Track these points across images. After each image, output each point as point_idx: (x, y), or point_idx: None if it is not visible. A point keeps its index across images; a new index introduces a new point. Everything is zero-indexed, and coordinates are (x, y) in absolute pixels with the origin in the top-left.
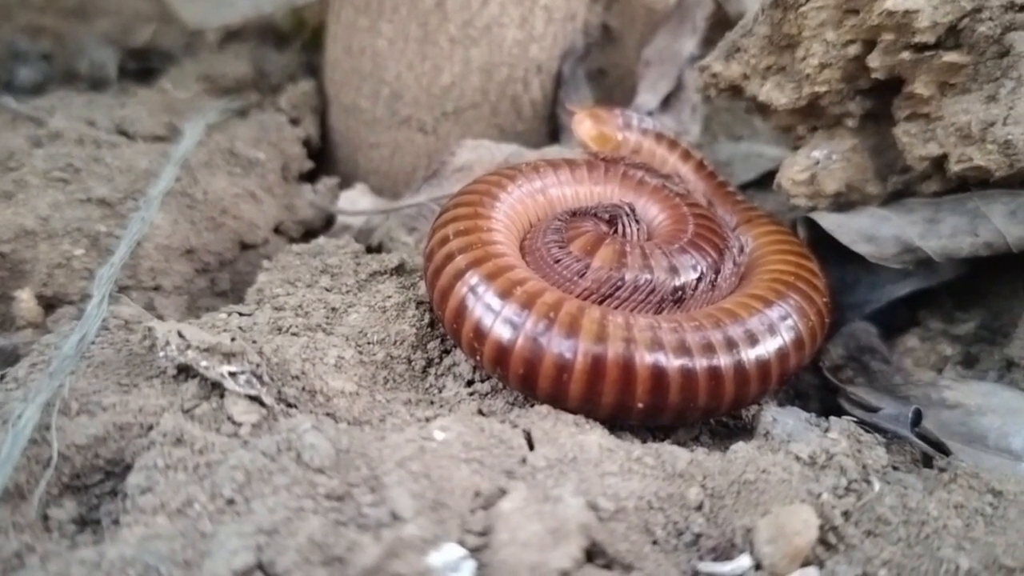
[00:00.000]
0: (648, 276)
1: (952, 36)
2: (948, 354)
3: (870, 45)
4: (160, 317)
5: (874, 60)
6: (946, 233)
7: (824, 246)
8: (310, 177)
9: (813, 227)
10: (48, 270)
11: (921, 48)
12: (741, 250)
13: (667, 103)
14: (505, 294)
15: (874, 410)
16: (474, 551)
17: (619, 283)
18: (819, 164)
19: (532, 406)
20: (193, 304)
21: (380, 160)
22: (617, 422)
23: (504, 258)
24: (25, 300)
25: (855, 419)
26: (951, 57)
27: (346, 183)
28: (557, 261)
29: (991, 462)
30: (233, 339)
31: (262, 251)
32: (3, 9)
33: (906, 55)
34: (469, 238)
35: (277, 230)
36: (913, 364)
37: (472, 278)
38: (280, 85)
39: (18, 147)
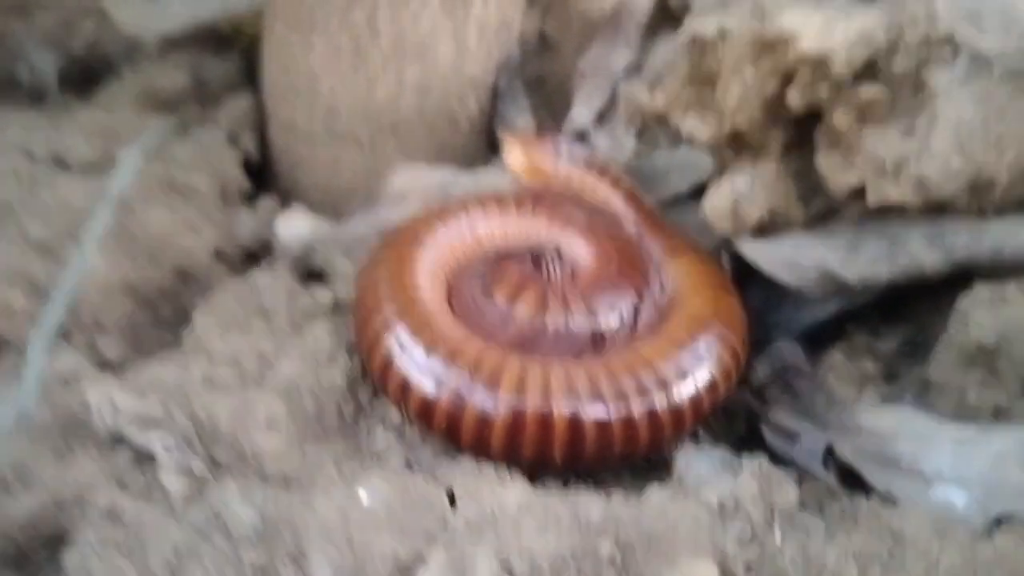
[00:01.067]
0: (568, 322)
1: (869, 71)
2: (870, 371)
3: (788, 80)
4: (103, 358)
5: (792, 96)
6: (866, 260)
7: (750, 267)
8: (251, 194)
9: (736, 253)
10: None
11: (838, 83)
12: (662, 288)
13: (602, 116)
14: (430, 348)
15: (793, 436)
16: None
17: (541, 331)
18: (741, 193)
19: (456, 457)
20: (136, 339)
21: (319, 176)
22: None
23: (430, 309)
24: None
25: (768, 455)
26: (868, 92)
27: (286, 199)
28: (482, 310)
29: (903, 485)
30: (165, 408)
31: (202, 279)
32: None
33: (823, 91)
34: (395, 288)
35: (217, 255)
36: (836, 380)
37: (398, 331)
38: (220, 94)
39: None
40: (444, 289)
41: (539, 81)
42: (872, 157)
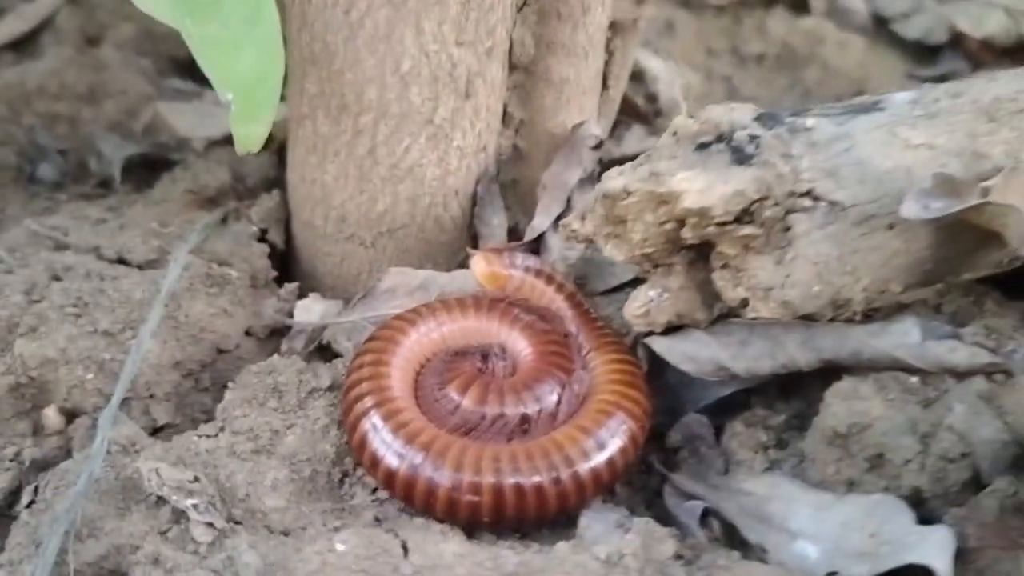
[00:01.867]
0: (501, 411)
1: (747, 215)
2: (764, 439)
3: (682, 223)
4: (154, 421)
5: (686, 233)
6: (752, 356)
7: None
8: (278, 279)
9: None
10: (67, 390)
11: (721, 224)
12: (583, 381)
13: (558, 222)
14: (395, 432)
15: (689, 497)
16: None
17: (480, 419)
18: (652, 301)
19: (413, 516)
20: (181, 404)
21: (332, 266)
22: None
23: (396, 401)
24: (50, 416)
25: (653, 516)
26: (746, 231)
27: (305, 283)
28: (436, 400)
29: (772, 539)
30: (196, 478)
31: (235, 353)
32: (23, 97)
33: (711, 229)
34: (373, 383)
35: (248, 333)
36: (737, 445)
37: (373, 418)
38: (255, 189)
39: (40, 280)
40: (412, 381)
41: (513, 184)
42: (752, 280)
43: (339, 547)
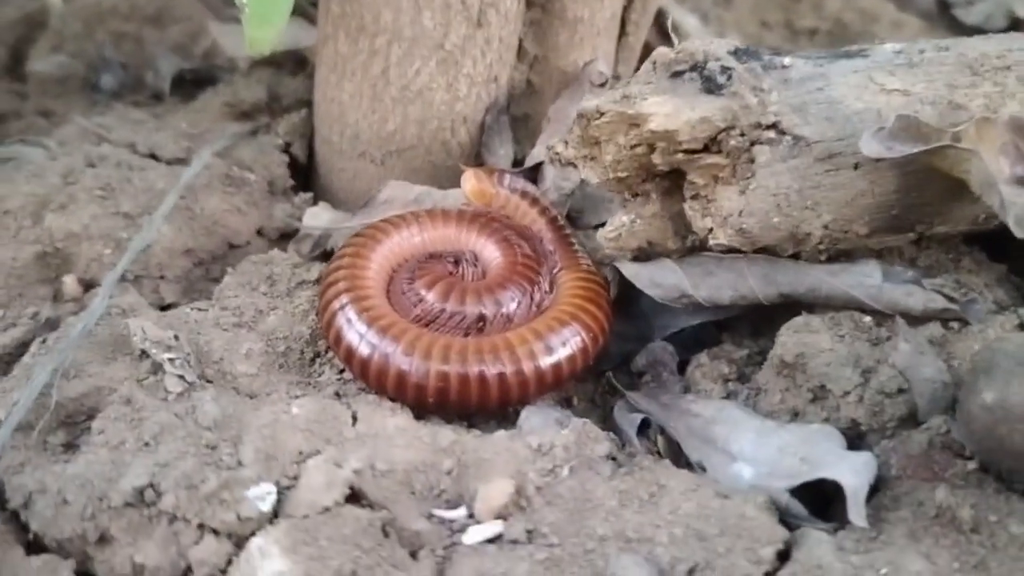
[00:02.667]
0: (461, 309)
1: (714, 144)
2: (725, 372)
3: (652, 148)
4: (162, 299)
5: (656, 158)
6: (713, 285)
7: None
8: (296, 188)
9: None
10: (86, 262)
11: (690, 152)
12: (545, 293)
13: None
14: (369, 324)
15: (639, 413)
16: (285, 489)
17: (440, 313)
18: (625, 226)
19: (369, 394)
20: (191, 288)
21: (345, 181)
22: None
23: (372, 295)
24: (69, 284)
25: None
26: (712, 159)
27: (322, 196)
28: (403, 293)
29: (713, 459)
30: (176, 337)
31: (245, 249)
32: (97, 16)
33: (680, 156)
34: (350, 278)
35: (260, 232)
36: (701, 376)
37: (348, 311)
38: (289, 106)
39: (77, 167)
40: (387, 277)
41: (525, 118)
42: (719, 208)
43: (295, 410)
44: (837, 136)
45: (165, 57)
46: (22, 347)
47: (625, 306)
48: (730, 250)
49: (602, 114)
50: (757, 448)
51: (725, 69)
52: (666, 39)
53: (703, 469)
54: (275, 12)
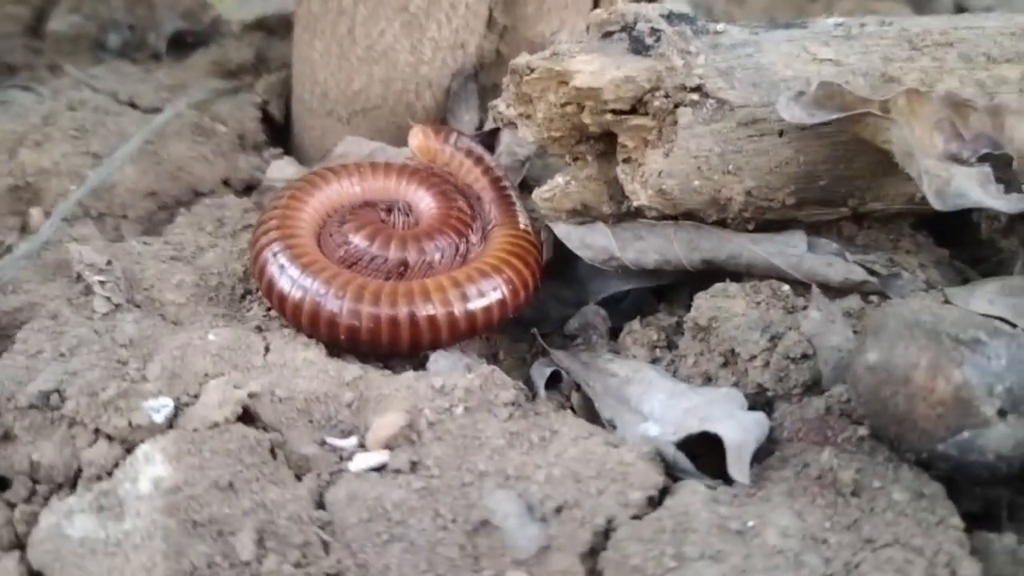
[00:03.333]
0: (384, 254)
1: (641, 105)
2: (654, 338)
3: (582, 107)
4: (122, 236)
5: (586, 118)
6: (639, 249)
7: None
8: (268, 144)
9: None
10: (53, 197)
11: (618, 112)
12: (471, 246)
13: None
14: (301, 268)
15: (552, 367)
16: (184, 406)
17: (363, 255)
18: (560, 187)
19: (286, 327)
20: (152, 229)
21: (314, 139)
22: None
23: (303, 239)
24: (35, 215)
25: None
26: (639, 121)
27: (293, 152)
28: (331, 235)
29: (624, 417)
30: (109, 262)
31: (209, 197)
32: None
33: (608, 117)
34: (283, 221)
35: (226, 183)
36: (631, 341)
37: (279, 254)
38: (275, 70)
39: (58, 110)
40: (321, 223)
41: (494, 88)
42: (644, 171)
43: (211, 337)
44: (762, 102)
45: (168, 19)
46: None
47: (564, 271)
48: (663, 217)
49: (532, 70)
50: (665, 409)
51: (654, 31)
52: None
53: (613, 427)
54: None
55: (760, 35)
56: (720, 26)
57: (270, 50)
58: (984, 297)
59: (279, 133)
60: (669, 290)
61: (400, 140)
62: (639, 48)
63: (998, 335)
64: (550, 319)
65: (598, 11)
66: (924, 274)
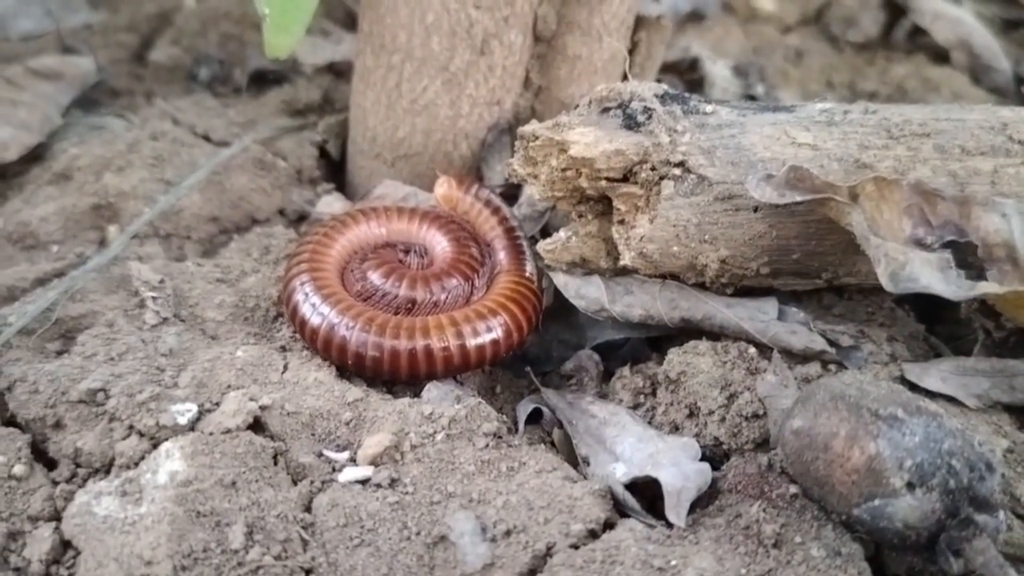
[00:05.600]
0: (396, 291)
1: (632, 175)
2: (639, 385)
3: (579, 172)
4: (184, 255)
5: (583, 182)
6: (627, 303)
7: None
8: (323, 179)
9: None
10: (129, 217)
11: (611, 179)
12: (475, 289)
13: None
14: (323, 299)
15: (535, 404)
16: (206, 412)
17: (375, 291)
18: (562, 241)
19: (306, 350)
20: (212, 250)
21: (363, 178)
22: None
23: (327, 274)
24: (112, 232)
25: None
26: (629, 189)
27: (344, 188)
28: (352, 271)
29: (598, 456)
30: (162, 280)
31: (266, 224)
32: (213, 19)
33: (603, 183)
34: (312, 257)
35: (281, 212)
36: (621, 386)
37: (306, 286)
38: (339, 110)
39: (142, 139)
40: (347, 260)
41: None
42: (635, 233)
43: (239, 353)
44: (739, 180)
45: (254, 57)
46: (60, 276)
47: (567, 316)
48: (660, 275)
49: (537, 137)
50: (634, 452)
51: (647, 109)
52: (696, 86)
53: (587, 463)
54: (293, 23)
55: (747, 117)
56: (710, 107)
57: (336, 92)
58: (938, 375)
59: (335, 169)
60: (664, 340)
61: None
62: (631, 124)
63: (918, 414)
64: (552, 358)
65: (600, 87)
66: (891, 348)
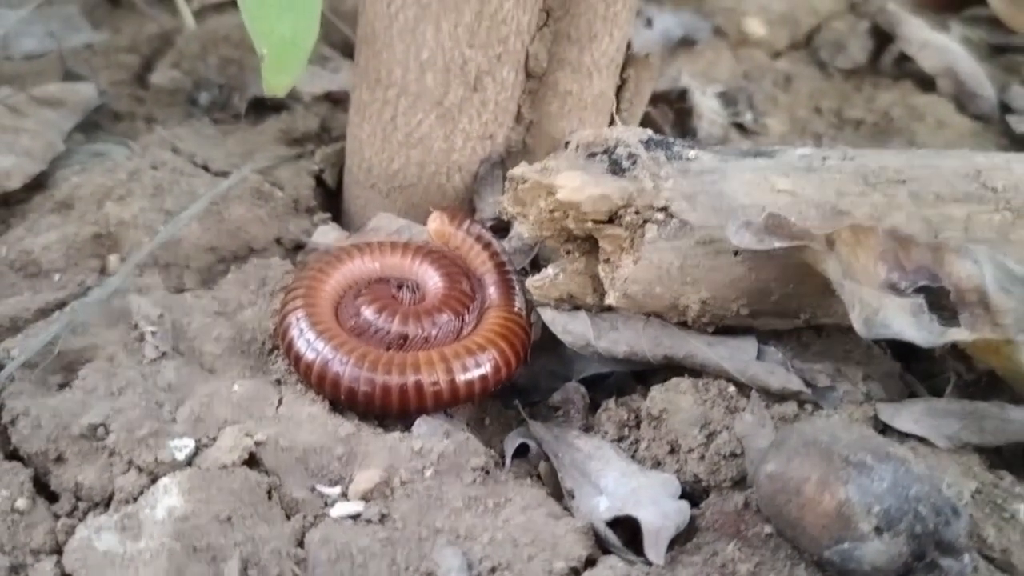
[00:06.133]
0: (388, 327)
1: (616, 218)
2: (624, 418)
3: (566, 214)
4: (183, 284)
5: (570, 223)
6: (611, 339)
7: None
8: (319, 208)
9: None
10: (129, 246)
11: (597, 221)
12: (464, 324)
13: None
14: (317, 334)
15: (522, 438)
16: (203, 447)
17: (369, 327)
18: (550, 277)
19: (300, 384)
20: (210, 278)
21: (358, 208)
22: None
23: (321, 309)
24: (113, 261)
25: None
26: (614, 231)
27: (340, 217)
28: (347, 307)
29: (583, 489)
30: (161, 315)
31: (263, 253)
32: (213, 41)
33: (589, 224)
34: (307, 292)
35: (278, 241)
36: (606, 419)
37: (300, 321)
38: (336, 139)
39: (143, 167)
40: (341, 295)
41: None
42: (620, 274)
43: (235, 387)
44: (720, 225)
45: (253, 84)
46: (62, 306)
47: (555, 349)
48: (644, 313)
49: (525, 180)
50: (617, 486)
51: (631, 155)
52: (685, 115)
53: (572, 496)
54: (291, 63)
55: (728, 163)
56: (692, 153)
57: (333, 120)
58: (910, 416)
59: (331, 198)
60: (649, 373)
61: (427, 216)
62: (616, 169)
63: (887, 460)
64: (541, 389)
65: (586, 132)
66: (866, 386)
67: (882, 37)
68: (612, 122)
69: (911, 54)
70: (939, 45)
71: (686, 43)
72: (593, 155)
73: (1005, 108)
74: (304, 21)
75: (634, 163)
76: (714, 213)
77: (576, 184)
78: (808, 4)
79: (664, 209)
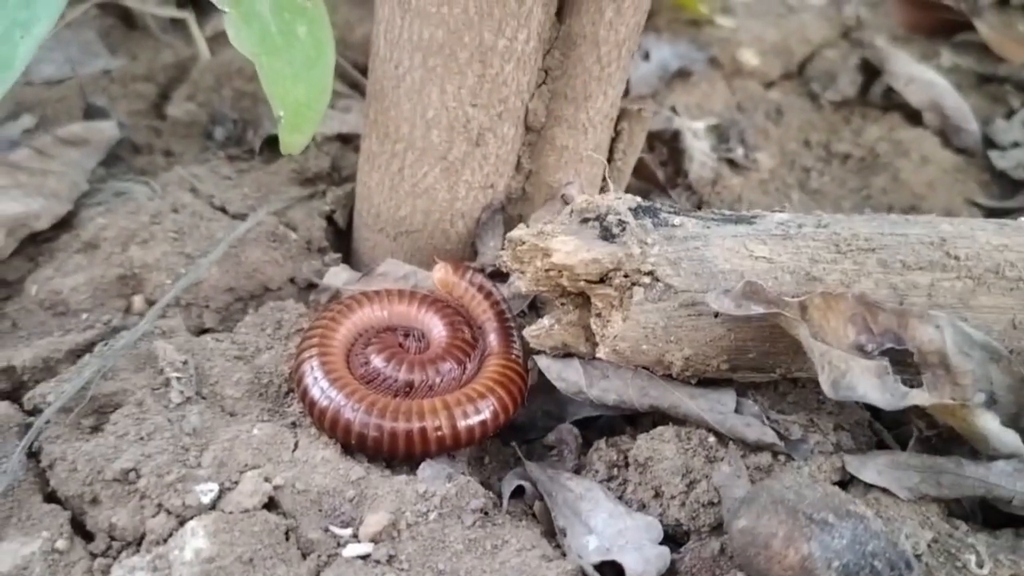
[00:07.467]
0: (395, 375)
1: (607, 279)
2: (614, 459)
3: (561, 273)
4: (203, 324)
5: (564, 282)
6: (602, 387)
7: None
8: (330, 249)
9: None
10: (152, 288)
11: (590, 281)
12: (465, 371)
13: None
14: (329, 381)
15: (517, 479)
16: (226, 490)
17: (377, 375)
18: (546, 328)
19: (313, 427)
20: (228, 317)
21: (367, 249)
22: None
23: (334, 357)
24: (137, 302)
25: (475, 478)
26: (605, 290)
27: (349, 258)
28: (356, 355)
29: (574, 528)
30: (185, 361)
31: (278, 293)
32: (227, 74)
33: (582, 283)
34: (321, 340)
35: (292, 281)
36: (597, 459)
37: (315, 368)
38: (347, 179)
39: (164, 210)
40: (352, 342)
41: (520, 218)
42: (609, 331)
43: (255, 431)
44: (701, 289)
45: (267, 119)
46: (91, 346)
47: (551, 391)
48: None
49: (523, 242)
50: (605, 527)
51: (621, 222)
52: (677, 157)
53: (564, 534)
54: (306, 124)
55: (711, 229)
56: (678, 219)
57: (343, 159)
58: (875, 468)
59: (341, 237)
60: (638, 416)
61: (431, 263)
62: (607, 235)
63: (847, 518)
64: (537, 428)
65: (582, 199)
66: (836, 436)
67: (871, 71)
68: (604, 182)
69: (898, 89)
70: (925, 80)
71: (682, 74)
72: (586, 220)
73: (988, 142)
74: (318, 87)
75: (623, 229)
76: (696, 278)
77: (570, 248)
78: (801, 33)
79: (650, 273)
